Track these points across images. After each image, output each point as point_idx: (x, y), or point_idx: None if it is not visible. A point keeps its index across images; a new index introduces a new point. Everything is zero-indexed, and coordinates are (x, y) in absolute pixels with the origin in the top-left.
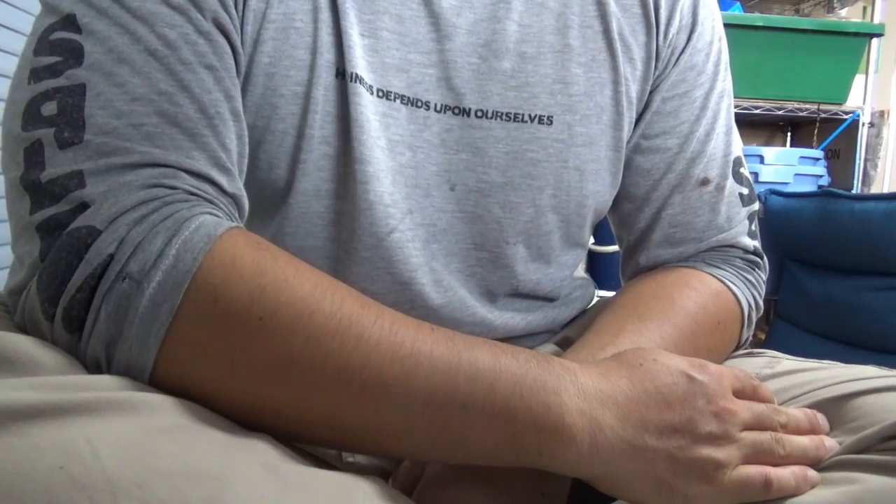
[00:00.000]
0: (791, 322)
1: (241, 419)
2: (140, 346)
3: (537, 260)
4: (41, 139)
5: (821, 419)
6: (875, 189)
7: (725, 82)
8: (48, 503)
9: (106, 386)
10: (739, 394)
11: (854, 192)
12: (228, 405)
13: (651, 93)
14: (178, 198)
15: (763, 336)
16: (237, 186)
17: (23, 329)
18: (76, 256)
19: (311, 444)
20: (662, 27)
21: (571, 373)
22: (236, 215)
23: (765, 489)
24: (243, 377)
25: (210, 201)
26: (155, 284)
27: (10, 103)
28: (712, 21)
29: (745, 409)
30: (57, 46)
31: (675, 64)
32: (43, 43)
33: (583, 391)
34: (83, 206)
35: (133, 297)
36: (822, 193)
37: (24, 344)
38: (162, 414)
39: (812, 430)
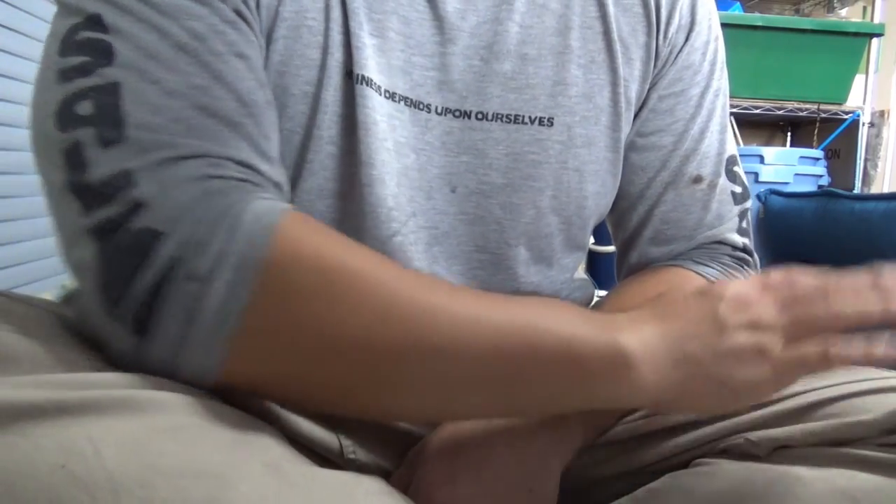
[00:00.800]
0: None
1: (314, 404)
2: (209, 344)
3: (539, 262)
4: (81, 140)
5: (890, 275)
6: (875, 189)
7: (721, 81)
8: (50, 501)
9: (108, 384)
10: (767, 286)
11: (854, 192)
12: (302, 391)
13: (648, 91)
14: (230, 186)
15: None
16: (280, 173)
17: (83, 334)
18: (139, 258)
19: (387, 418)
20: (663, 26)
21: (608, 314)
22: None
23: (823, 359)
24: (317, 360)
25: (259, 185)
26: (222, 283)
27: (39, 105)
28: (709, 20)
29: (773, 294)
30: (85, 46)
31: (672, 63)
32: (69, 43)
33: (622, 323)
34: (138, 206)
35: (200, 297)
36: (822, 193)
37: (26, 339)
38: (164, 412)
39: (874, 289)
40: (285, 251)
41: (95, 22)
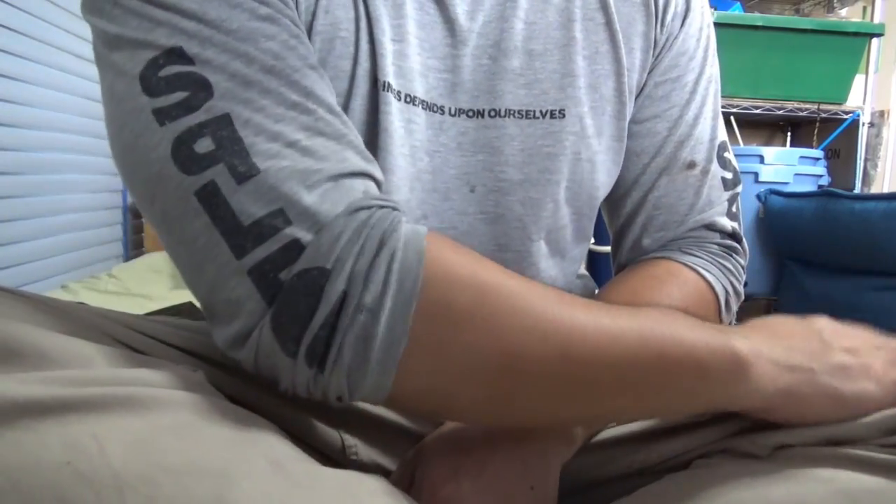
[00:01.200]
0: None
1: (476, 415)
2: (382, 370)
3: (555, 255)
4: (214, 179)
5: None
6: (875, 189)
7: (713, 68)
8: (55, 498)
9: (111, 380)
10: (857, 330)
11: (854, 191)
12: (466, 404)
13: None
14: (378, 216)
15: None
16: (380, 172)
17: (254, 372)
18: (314, 297)
19: (540, 426)
20: (661, 14)
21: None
22: None
23: None
24: (477, 375)
25: (395, 208)
26: (388, 311)
27: (141, 151)
28: (702, 7)
29: (866, 333)
30: (175, 81)
31: (668, 49)
32: (153, 81)
33: (734, 330)
34: (296, 245)
35: (371, 326)
36: (822, 193)
37: (32, 334)
38: (167, 410)
39: None
40: (438, 273)
41: (178, 55)
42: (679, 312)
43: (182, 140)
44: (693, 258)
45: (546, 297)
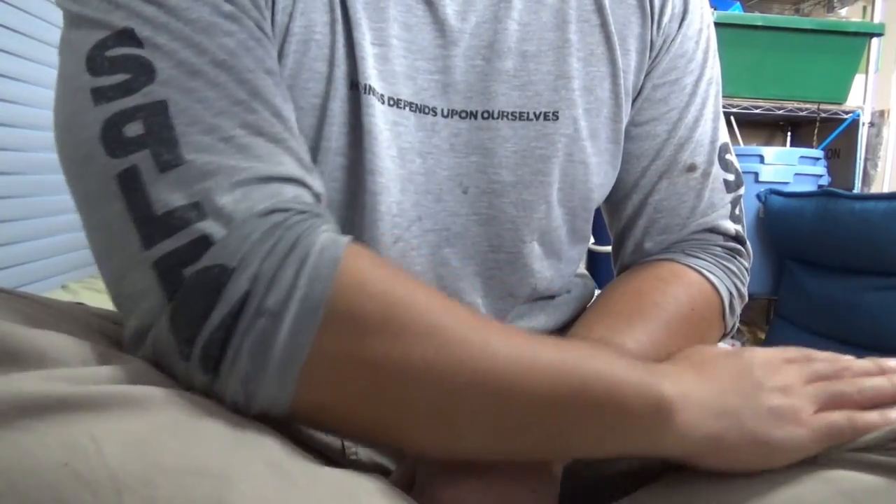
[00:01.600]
0: (791, 321)
1: (377, 435)
2: (282, 378)
3: (550, 256)
4: (137, 164)
5: (893, 362)
6: (875, 189)
7: (714, 69)
8: (53, 500)
9: (108, 378)
10: (789, 361)
11: (854, 191)
12: (368, 422)
13: (643, 80)
14: (295, 220)
15: (763, 335)
16: (320, 184)
17: (155, 365)
18: (212, 296)
19: (444, 456)
20: (657, 16)
21: (650, 362)
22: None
23: (851, 428)
24: (382, 391)
25: (319, 215)
26: (292, 316)
27: (74, 129)
28: (701, 8)
29: (798, 367)
30: (120, 62)
31: (666, 51)
32: (98, 61)
33: (665, 370)
34: (205, 240)
35: (272, 331)
36: (822, 193)
37: (30, 335)
38: (162, 408)
39: (881, 373)
40: (350, 284)
41: (128, 37)
42: (612, 350)
43: (113, 122)
44: (697, 260)
45: (462, 320)
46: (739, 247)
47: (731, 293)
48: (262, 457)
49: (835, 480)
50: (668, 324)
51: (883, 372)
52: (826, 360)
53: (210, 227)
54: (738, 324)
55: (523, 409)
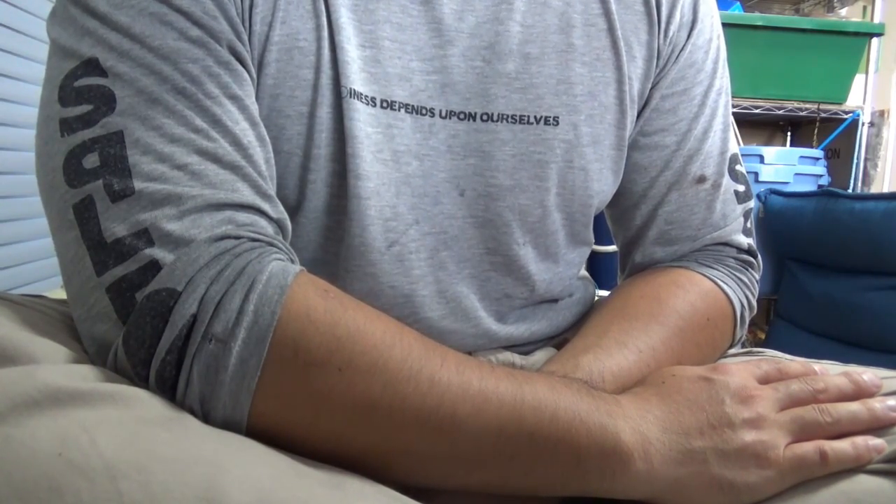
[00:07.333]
0: (791, 322)
1: (330, 460)
2: (234, 401)
3: (546, 259)
4: (91, 194)
5: (867, 377)
6: (875, 189)
7: (724, 80)
8: (49, 488)
9: (93, 377)
10: (764, 380)
11: (854, 191)
12: (316, 448)
13: (650, 90)
14: (245, 248)
15: (763, 336)
16: (280, 210)
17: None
18: (161, 320)
19: (394, 481)
20: (664, 24)
21: (614, 399)
22: (284, 240)
23: (822, 462)
24: (327, 423)
25: (271, 244)
26: (240, 342)
27: (44, 157)
28: (711, 18)
29: (772, 391)
30: (84, 94)
31: (675, 61)
32: (67, 91)
33: (627, 412)
34: (154, 266)
35: (221, 356)
36: (822, 193)
37: (22, 338)
38: (152, 406)
39: (858, 393)
40: (298, 313)
41: (94, 66)
42: (574, 386)
43: (74, 153)
44: (712, 270)
45: (411, 354)
46: (752, 259)
47: (742, 304)
48: (252, 447)
49: (837, 482)
50: (683, 331)
51: (859, 390)
52: (800, 376)
53: (158, 252)
54: (746, 334)
55: (474, 445)
